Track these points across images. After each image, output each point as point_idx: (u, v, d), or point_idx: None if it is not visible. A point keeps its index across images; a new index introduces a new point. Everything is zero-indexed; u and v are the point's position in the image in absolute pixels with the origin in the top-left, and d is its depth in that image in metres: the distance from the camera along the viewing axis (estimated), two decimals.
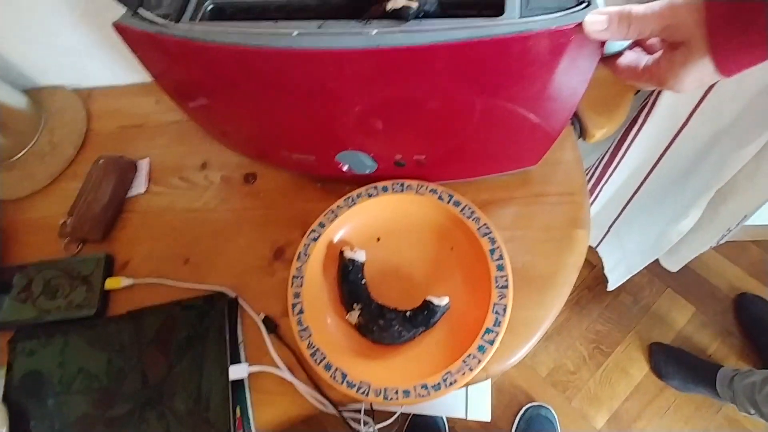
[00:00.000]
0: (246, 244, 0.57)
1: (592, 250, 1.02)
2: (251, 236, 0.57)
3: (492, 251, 0.47)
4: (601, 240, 0.96)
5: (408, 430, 1.11)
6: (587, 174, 0.76)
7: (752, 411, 0.97)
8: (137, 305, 0.54)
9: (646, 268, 0.95)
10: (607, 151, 0.67)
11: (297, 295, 0.49)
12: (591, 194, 0.77)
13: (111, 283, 0.56)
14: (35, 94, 0.73)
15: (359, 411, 0.49)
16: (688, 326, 1.22)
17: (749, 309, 1.19)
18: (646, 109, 0.59)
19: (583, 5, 0.35)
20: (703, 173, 0.66)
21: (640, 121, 0.60)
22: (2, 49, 0.68)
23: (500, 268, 0.47)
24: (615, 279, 1.02)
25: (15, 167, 0.67)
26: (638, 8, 0.32)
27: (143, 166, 0.64)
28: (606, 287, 1.07)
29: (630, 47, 0.37)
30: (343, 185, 0.57)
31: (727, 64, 0.30)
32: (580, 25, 0.33)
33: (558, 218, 0.52)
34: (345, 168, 0.52)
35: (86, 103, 0.72)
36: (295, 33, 0.37)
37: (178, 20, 0.40)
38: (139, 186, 0.63)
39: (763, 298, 1.20)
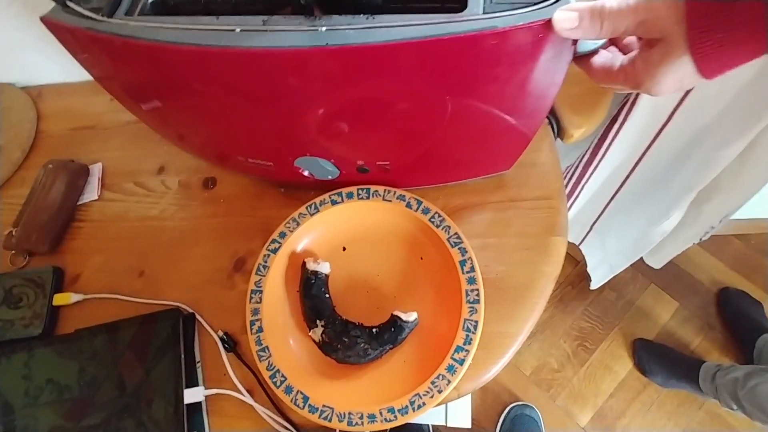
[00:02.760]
0: (204, 255, 0.53)
1: (575, 247, 1.00)
2: (210, 246, 0.54)
3: (462, 263, 0.44)
4: (584, 238, 0.94)
5: None
6: (566, 174, 0.74)
7: (734, 407, 0.96)
8: (89, 322, 0.50)
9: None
10: (586, 151, 0.65)
11: (256, 312, 0.46)
12: (571, 194, 0.75)
13: (60, 299, 0.53)
14: None
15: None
16: (672, 322, 1.22)
17: (731, 303, 1.19)
18: (626, 108, 0.56)
19: (552, 1, 0.31)
20: (685, 174, 0.64)
21: (620, 119, 0.57)
22: None
23: (471, 281, 0.44)
24: (598, 278, 1.00)
25: None
26: (611, 3, 0.28)
27: (95, 170, 0.60)
28: (590, 285, 1.05)
29: (605, 46, 0.34)
30: (307, 191, 0.53)
31: (709, 63, 0.27)
32: (548, 22, 0.30)
33: (534, 225, 0.49)
34: (306, 173, 0.49)
35: (36, 102, 0.67)
36: (238, 29, 0.33)
37: (111, 14, 0.36)
38: (92, 192, 0.59)
39: (745, 293, 1.19)
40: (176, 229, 0.55)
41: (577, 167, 0.69)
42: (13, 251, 0.56)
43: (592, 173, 0.68)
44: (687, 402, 1.13)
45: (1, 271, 0.55)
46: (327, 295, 0.47)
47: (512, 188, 0.51)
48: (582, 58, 0.35)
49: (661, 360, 1.13)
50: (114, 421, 0.45)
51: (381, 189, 0.48)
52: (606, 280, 1.00)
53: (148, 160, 0.60)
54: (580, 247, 0.98)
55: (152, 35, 0.34)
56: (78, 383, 0.47)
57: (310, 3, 0.34)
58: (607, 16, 0.28)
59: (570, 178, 0.72)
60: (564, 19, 0.30)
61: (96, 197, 0.58)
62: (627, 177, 0.71)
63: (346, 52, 0.32)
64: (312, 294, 0.46)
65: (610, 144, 0.60)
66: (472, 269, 0.44)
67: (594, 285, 1.03)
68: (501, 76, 0.35)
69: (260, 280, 0.47)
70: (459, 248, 0.45)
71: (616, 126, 0.58)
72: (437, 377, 0.41)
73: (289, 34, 0.33)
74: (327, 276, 0.48)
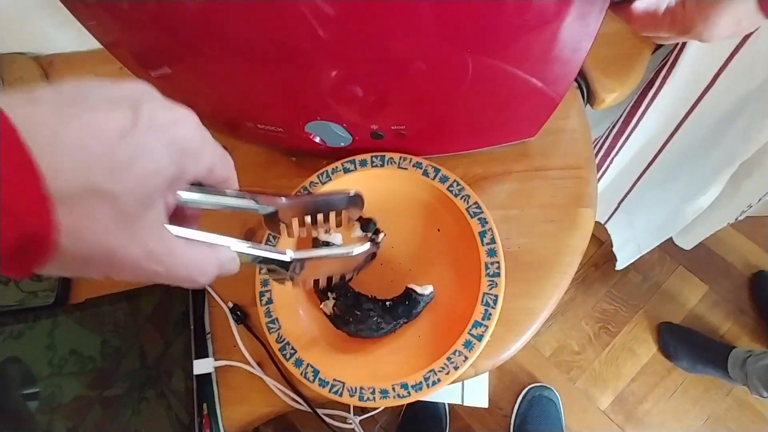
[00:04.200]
0: (214, 224, 0.51)
1: (600, 226, 0.96)
2: (220, 215, 0.52)
3: (482, 234, 0.42)
4: (610, 216, 0.90)
5: (406, 413, 1.09)
6: (595, 145, 0.69)
7: (765, 394, 0.92)
8: (100, 290, 0.50)
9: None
10: (618, 119, 0.60)
11: (265, 283, 0.45)
12: (599, 168, 0.71)
13: None
14: None
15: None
16: (700, 305, 1.17)
17: (766, 288, 1.13)
18: (664, 70, 0.51)
19: None
20: (726, 143, 0.59)
21: (657, 83, 0.53)
22: None
23: (491, 253, 0.41)
24: (624, 258, 0.96)
25: None
26: None
27: None
28: (614, 266, 1.01)
29: None
30: (319, 159, 0.51)
31: None
32: None
33: (560, 195, 0.46)
34: (317, 140, 0.46)
35: (47, 72, 0.66)
36: None
37: None
38: None
39: None
40: None
41: (606, 138, 0.64)
42: None
43: (622, 145, 0.63)
44: (713, 388, 1.09)
45: None
46: None
47: (537, 157, 0.48)
48: (620, 5, 0.31)
49: (687, 344, 1.09)
50: (136, 392, 0.45)
51: (396, 156, 0.46)
52: (632, 261, 0.95)
53: None
54: (606, 225, 0.93)
55: None
56: (101, 354, 0.47)
57: None
58: None
59: (598, 151, 0.68)
60: None
61: None
62: (661, 148, 0.66)
63: (360, 6, 0.29)
64: None
65: (644, 111, 0.56)
66: (493, 241, 0.41)
67: (619, 265, 0.98)
68: (526, 28, 0.31)
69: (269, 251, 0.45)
70: (479, 219, 0.42)
71: (652, 91, 0.53)
72: (453, 353, 0.39)
73: None
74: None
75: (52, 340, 0.48)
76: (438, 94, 0.38)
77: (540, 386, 1.10)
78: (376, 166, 0.46)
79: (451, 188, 0.44)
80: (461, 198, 0.43)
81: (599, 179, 0.75)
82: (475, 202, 0.43)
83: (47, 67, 0.66)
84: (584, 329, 1.18)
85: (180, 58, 0.40)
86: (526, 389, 1.10)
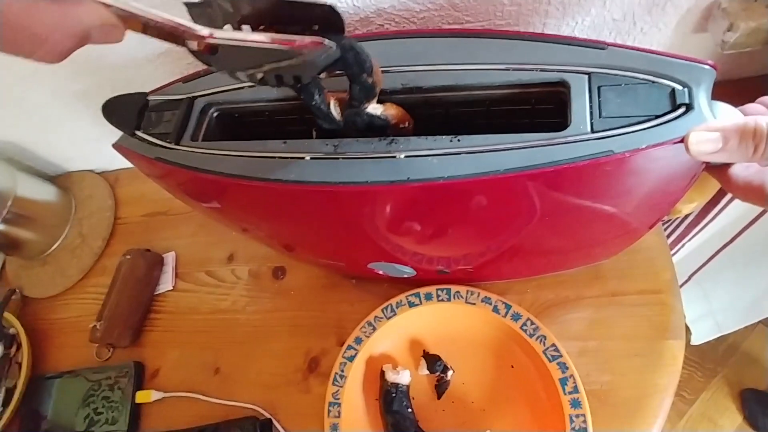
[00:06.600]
0: (278, 353, 0.51)
1: None
2: (283, 343, 0.52)
3: (563, 381, 0.39)
4: (681, 285, 0.83)
5: None
6: (666, 228, 0.65)
7: None
8: (168, 421, 0.51)
9: None
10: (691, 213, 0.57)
11: (335, 427, 0.43)
12: (671, 248, 0.66)
13: (142, 397, 0.53)
14: (64, 179, 0.72)
15: None
16: None
17: None
18: None
19: (681, 111, 0.26)
20: None
21: None
22: (28, 141, 0.67)
23: (575, 404, 0.38)
24: (701, 334, 0.89)
25: (47, 262, 0.66)
26: None
27: (169, 260, 0.60)
28: (690, 338, 0.93)
29: None
30: (380, 282, 0.50)
31: None
32: (680, 141, 0.25)
33: (642, 325, 0.43)
34: (380, 272, 0.46)
35: (113, 187, 0.70)
36: (308, 158, 0.31)
37: (178, 140, 0.35)
38: (167, 283, 0.59)
39: None
40: (248, 323, 0.54)
41: (678, 225, 0.60)
42: (97, 344, 0.58)
43: (696, 233, 0.59)
44: None
45: (87, 363, 0.57)
46: (409, 410, 0.43)
47: (612, 280, 0.45)
48: (717, 168, 0.29)
49: None
50: None
51: (463, 290, 0.44)
52: (712, 338, 0.88)
53: (218, 248, 0.59)
54: None
55: (219, 167, 0.32)
56: None
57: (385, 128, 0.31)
58: (765, 139, 0.23)
59: (668, 235, 0.63)
60: (703, 140, 0.24)
61: (171, 287, 0.59)
62: (741, 231, 0.61)
63: (431, 189, 0.28)
64: (393, 410, 0.43)
65: (721, 209, 0.52)
66: (576, 389, 0.39)
67: (696, 340, 0.91)
68: (612, 200, 0.29)
69: (337, 391, 0.44)
70: (558, 363, 0.40)
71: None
72: None
73: (364, 163, 0.30)
74: (408, 386, 0.44)
75: None
76: (511, 244, 0.36)
77: None
78: (442, 300, 0.44)
79: (524, 327, 0.42)
80: (537, 339, 0.41)
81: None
82: (553, 344, 0.40)
83: (113, 183, 0.70)
84: None
85: (240, 214, 0.40)
86: None
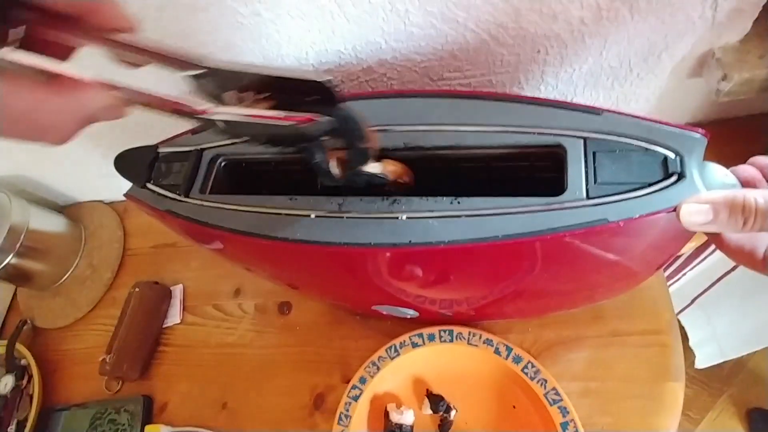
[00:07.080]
0: (284, 388, 0.52)
1: None
2: (289, 379, 0.53)
3: (564, 425, 0.40)
4: (683, 309, 0.84)
5: None
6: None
7: None
8: None
9: None
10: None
11: None
12: (668, 279, 0.67)
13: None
14: (74, 210, 0.73)
15: None
16: None
17: None
18: None
19: (673, 179, 0.27)
20: None
21: None
22: (40, 174, 0.69)
23: None
24: (705, 358, 0.88)
25: (59, 293, 0.67)
26: (760, 197, 0.23)
27: (177, 293, 0.61)
28: (693, 361, 0.93)
29: None
30: (384, 319, 0.51)
31: None
32: (672, 211, 0.26)
33: (642, 366, 0.43)
34: (384, 312, 0.46)
35: (122, 218, 0.71)
36: (313, 215, 0.32)
37: (187, 192, 0.36)
38: (174, 316, 0.60)
39: None
40: (255, 358, 0.55)
41: (677, 257, 0.61)
42: (107, 377, 0.59)
43: (696, 265, 0.60)
44: None
45: (97, 395, 0.58)
46: None
47: (613, 320, 0.46)
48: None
49: None
50: None
51: (465, 331, 0.45)
52: (715, 363, 0.88)
53: (225, 281, 0.60)
54: (679, 317, 0.87)
55: (228, 223, 0.34)
56: None
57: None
58: (760, 214, 0.23)
59: (667, 267, 0.64)
60: (694, 212, 0.25)
61: (179, 321, 0.60)
62: None
63: (432, 252, 0.29)
64: None
65: None
66: None
67: (700, 364, 0.91)
68: (608, 260, 0.30)
69: (343, 431, 0.45)
70: (559, 407, 0.40)
71: None
72: None
73: (368, 224, 0.31)
74: (411, 426, 0.45)
75: None
76: (510, 296, 0.37)
77: None
78: (445, 341, 0.45)
79: (525, 370, 0.42)
80: (538, 382, 0.42)
81: (669, 286, 0.70)
82: (553, 388, 0.41)
83: (122, 213, 0.72)
84: None
85: (247, 261, 0.41)
86: None
